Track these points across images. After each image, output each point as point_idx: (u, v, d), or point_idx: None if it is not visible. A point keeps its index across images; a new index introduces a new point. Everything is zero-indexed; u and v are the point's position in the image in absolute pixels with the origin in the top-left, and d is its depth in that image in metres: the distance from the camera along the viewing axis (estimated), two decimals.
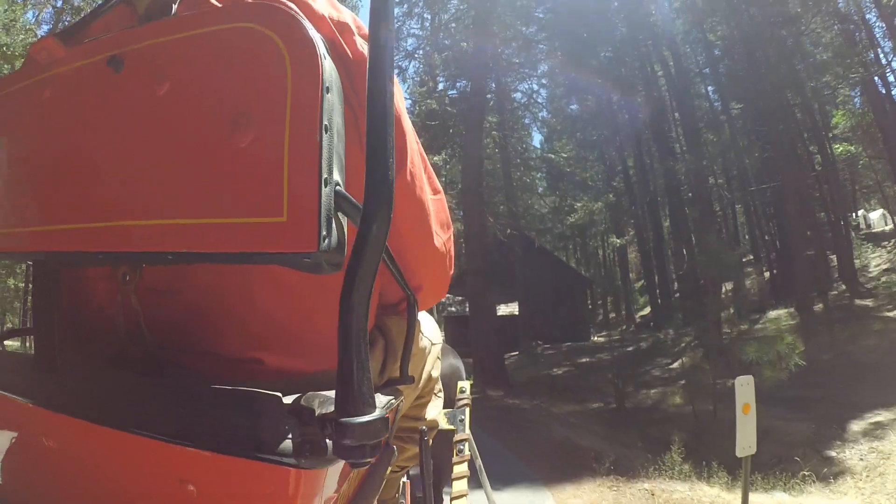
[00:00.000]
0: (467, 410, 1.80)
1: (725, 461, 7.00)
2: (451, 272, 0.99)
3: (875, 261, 25.26)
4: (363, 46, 0.70)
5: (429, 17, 20.92)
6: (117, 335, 0.71)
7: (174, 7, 0.70)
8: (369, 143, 0.49)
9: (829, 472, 7.51)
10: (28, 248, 0.69)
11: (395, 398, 0.74)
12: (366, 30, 0.70)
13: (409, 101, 23.48)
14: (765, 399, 9.08)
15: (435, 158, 16.89)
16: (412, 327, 0.81)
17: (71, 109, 0.65)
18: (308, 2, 0.68)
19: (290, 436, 0.52)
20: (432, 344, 1.16)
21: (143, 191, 0.58)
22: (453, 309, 26.44)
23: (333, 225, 0.51)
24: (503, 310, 24.99)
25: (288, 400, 0.55)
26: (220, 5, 0.66)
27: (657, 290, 34.11)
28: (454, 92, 22.85)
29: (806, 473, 7.16)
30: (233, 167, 0.53)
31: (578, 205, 27.55)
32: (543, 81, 21.37)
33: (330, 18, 0.69)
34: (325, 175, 0.50)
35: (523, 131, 26.95)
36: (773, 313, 20.55)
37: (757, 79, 18.77)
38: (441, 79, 22.13)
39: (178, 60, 0.58)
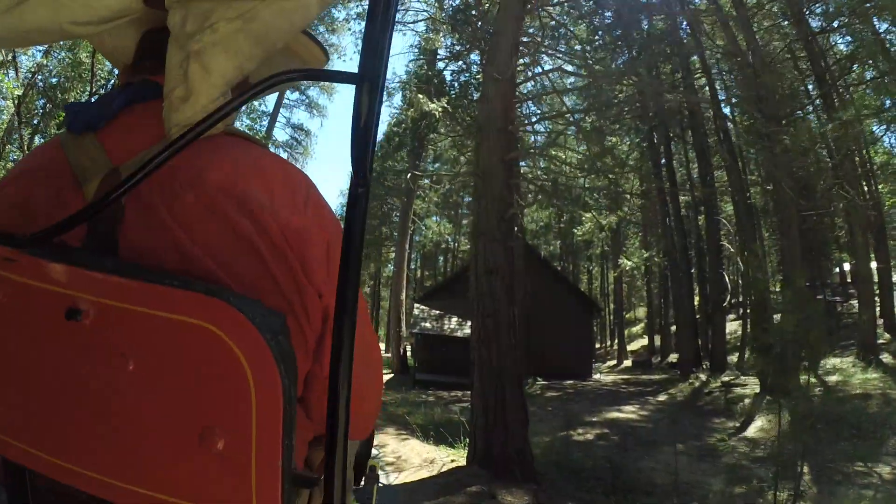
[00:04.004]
0: (374, 488, 1.40)
1: None
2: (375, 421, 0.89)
3: None
4: (322, 258, 0.68)
5: None
6: None
7: (123, 204, 0.62)
8: (331, 384, 0.50)
9: None
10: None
11: None
12: (331, 227, 0.71)
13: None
14: None
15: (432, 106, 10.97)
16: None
17: (26, 331, 0.61)
18: (267, 223, 0.64)
19: None
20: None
21: (116, 452, 0.57)
22: (428, 325, 20.23)
23: None
24: None
25: None
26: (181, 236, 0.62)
27: (664, 321, 28.98)
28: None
29: None
30: (204, 465, 0.54)
31: (587, 215, 21.90)
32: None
33: (285, 229, 0.65)
34: (286, 486, 0.54)
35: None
36: (835, 361, 15.18)
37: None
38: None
39: (138, 335, 0.56)
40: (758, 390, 13.48)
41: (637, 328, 39.05)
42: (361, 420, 0.79)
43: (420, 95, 10.82)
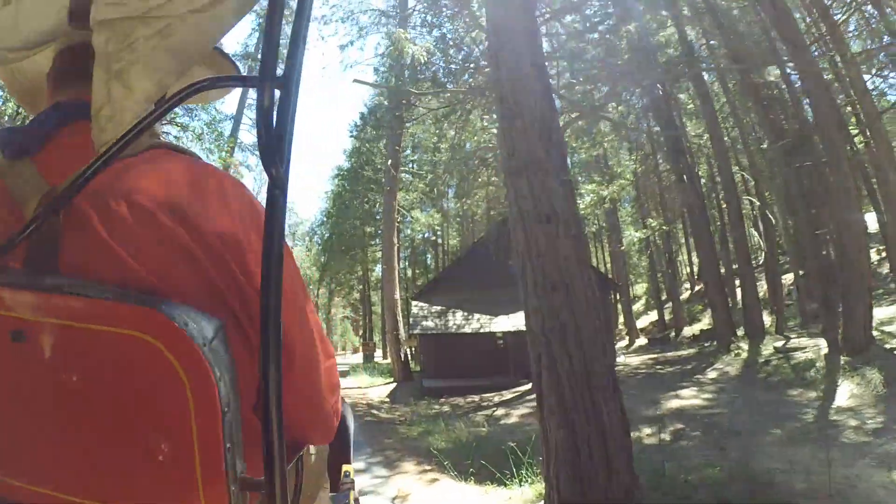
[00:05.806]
0: (351, 494, 1.49)
1: None
2: (337, 422, 0.80)
3: None
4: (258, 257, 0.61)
5: None
6: None
7: (62, 222, 0.59)
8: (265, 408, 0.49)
9: None
10: None
11: None
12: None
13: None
14: None
15: None
16: (300, 481, 0.76)
17: None
18: (203, 230, 0.61)
19: None
20: (317, 453, 1.04)
21: (63, 466, 0.55)
22: (430, 324, 17.80)
23: None
24: (504, 323, 16.59)
25: None
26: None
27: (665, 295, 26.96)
28: None
29: None
30: (152, 474, 0.53)
31: (589, 187, 19.76)
32: None
33: (222, 235, 0.62)
34: (232, 487, 0.53)
35: None
36: (878, 312, 13.12)
37: None
38: None
39: (80, 351, 0.55)
40: (823, 352, 11.42)
41: (636, 306, 37.06)
42: (321, 423, 0.76)
43: (401, 31, 8.45)
